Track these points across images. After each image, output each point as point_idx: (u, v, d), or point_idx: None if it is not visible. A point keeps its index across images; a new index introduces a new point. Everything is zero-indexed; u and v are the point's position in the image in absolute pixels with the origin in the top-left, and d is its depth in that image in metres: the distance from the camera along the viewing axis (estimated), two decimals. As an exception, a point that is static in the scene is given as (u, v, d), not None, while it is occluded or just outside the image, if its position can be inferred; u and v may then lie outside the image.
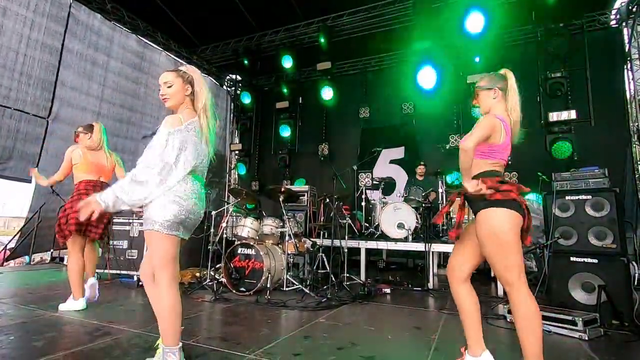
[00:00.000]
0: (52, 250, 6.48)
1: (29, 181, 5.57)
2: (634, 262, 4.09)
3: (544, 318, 3.03)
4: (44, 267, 6.12)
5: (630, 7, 6.59)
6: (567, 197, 3.65)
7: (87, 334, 2.68)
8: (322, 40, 7.56)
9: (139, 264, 4.83)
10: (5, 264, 6.17)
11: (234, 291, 4.28)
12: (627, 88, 6.82)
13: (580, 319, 2.85)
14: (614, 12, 7.03)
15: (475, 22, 6.31)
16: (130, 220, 5.02)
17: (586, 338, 2.79)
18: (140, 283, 4.69)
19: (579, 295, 3.47)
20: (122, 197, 1.84)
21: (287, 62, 8.08)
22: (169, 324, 1.91)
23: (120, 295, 4.10)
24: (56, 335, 2.64)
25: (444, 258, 6.89)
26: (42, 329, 2.74)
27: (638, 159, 6.61)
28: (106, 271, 4.87)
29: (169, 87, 2.04)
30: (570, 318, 2.91)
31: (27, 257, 6.40)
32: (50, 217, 6.07)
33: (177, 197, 1.94)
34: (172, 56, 8.62)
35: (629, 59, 6.75)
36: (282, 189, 4.84)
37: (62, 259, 6.33)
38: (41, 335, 2.59)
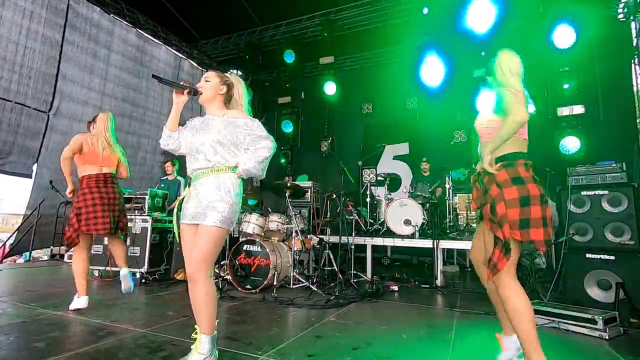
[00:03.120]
0: (51, 247, 6.36)
1: (30, 176, 5.45)
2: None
3: (562, 316, 2.96)
4: (44, 265, 6.01)
5: (638, 1, 6.48)
6: (582, 193, 3.56)
7: (91, 334, 2.58)
8: (325, 34, 7.43)
9: (141, 261, 4.78)
10: (4, 261, 6.06)
11: (240, 289, 4.19)
12: (634, 82, 6.73)
13: (601, 317, 2.76)
14: (621, 5, 6.93)
15: (482, 18, 6.18)
16: (132, 217, 4.90)
17: (607, 337, 2.70)
18: (143, 280, 4.60)
19: (595, 292, 3.39)
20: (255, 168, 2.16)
21: (289, 57, 7.96)
22: (211, 311, 2.03)
23: (123, 294, 3.99)
24: (58, 336, 2.54)
25: (448, 255, 6.82)
26: (43, 329, 2.64)
27: (646, 153, 6.52)
28: (108, 268, 4.77)
29: (207, 81, 2.21)
30: (589, 316, 2.82)
31: (26, 254, 6.29)
32: (50, 213, 5.95)
33: (240, 195, 2.17)
34: (173, 50, 8.49)
35: (636, 53, 6.65)
36: (288, 184, 4.74)
37: (62, 256, 6.21)
38: (43, 336, 2.49)
